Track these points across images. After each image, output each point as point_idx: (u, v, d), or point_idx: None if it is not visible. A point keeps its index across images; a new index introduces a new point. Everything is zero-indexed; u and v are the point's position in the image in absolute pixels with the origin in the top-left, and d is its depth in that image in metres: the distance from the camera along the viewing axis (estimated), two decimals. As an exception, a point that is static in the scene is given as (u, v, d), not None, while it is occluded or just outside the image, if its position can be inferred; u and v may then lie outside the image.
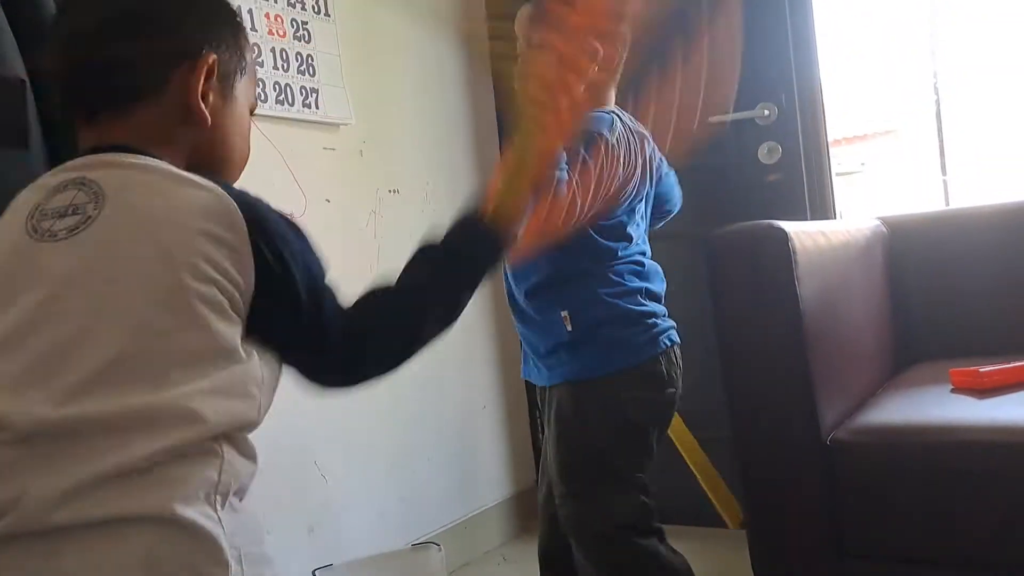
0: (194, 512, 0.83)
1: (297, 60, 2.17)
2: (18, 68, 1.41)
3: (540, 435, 2.92)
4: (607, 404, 1.63)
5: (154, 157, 0.95)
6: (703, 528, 2.52)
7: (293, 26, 2.17)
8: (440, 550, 2.08)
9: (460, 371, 2.68)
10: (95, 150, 0.96)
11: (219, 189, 0.92)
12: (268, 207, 0.96)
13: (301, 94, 2.17)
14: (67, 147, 1.46)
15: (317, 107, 2.22)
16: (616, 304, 1.64)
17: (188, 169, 0.99)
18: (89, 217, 0.89)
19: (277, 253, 0.92)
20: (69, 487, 0.80)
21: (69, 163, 0.96)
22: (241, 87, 1.07)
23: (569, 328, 1.64)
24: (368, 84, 2.43)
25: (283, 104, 2.12)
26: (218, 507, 0.86)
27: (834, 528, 1.56)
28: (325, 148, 2.27)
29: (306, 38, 2.21)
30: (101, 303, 0.86)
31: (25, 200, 0.94)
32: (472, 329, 2.75)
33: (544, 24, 1.44)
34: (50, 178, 0.95)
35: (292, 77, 2.15)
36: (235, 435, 0.89)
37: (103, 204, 0.89)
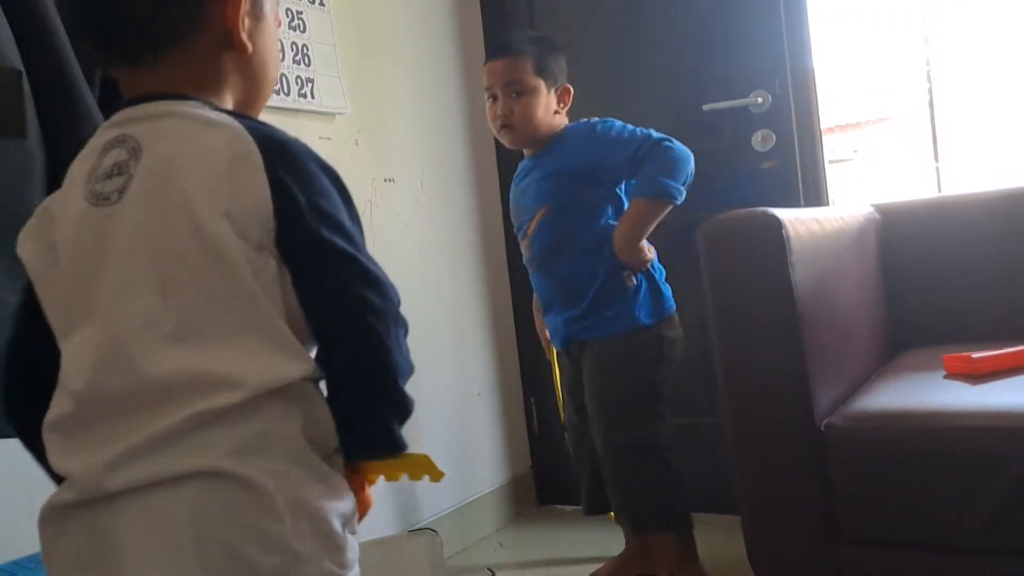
0: (246, 466, 0.83)
1: (292, 50, 2.17)
2: (14, 59, 1.41)
3: (535, 420, 2.93)
4: (657, 344, 2.05)
5: (192, 99, 0.93)
6: (698, 514, 2.53)
7: (288, 16, 2.17)
8: (437, 536, 2.10)
9: (454, 358, 2.69)
10: (138, 99, 0.94)
11: (237, 124, 0.90)
12: (296, 145, 0.93)
13: (296, 84, 2.17)
14: (65, 137, 1.47)
15: (312, 97, 2.22)
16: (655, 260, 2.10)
17: (235, 101, 0.99)
18: (132, 175, 0.88)
19: (295, 185, 0.89)
20: (115, 455, 0.82)
21: (114, 117, 0.94)
22: (269, 2, 1.04)
23: (633, 283, 2.05)
24: (363, 73, 2.43)
25: (278, 94, 2.12)
26: (277, 461, 0.85)
27: (828, 514, 1.56)
28: (321, 138, 2.27)
29: (301, 28, 2.20)
30: (140, 266, 0.86)
31: (79, 167, 0.93)
32: (465, 316, 2.76)
33: None
34: (96, 139, 0.94)
35: (287, 67, 2.15)
36: (282, 390, 0.87)
37: (140, 159, 0.89)
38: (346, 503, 0.93)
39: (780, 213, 1.60)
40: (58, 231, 0.92)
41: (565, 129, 2.14)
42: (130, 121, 0.92)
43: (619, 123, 2.06)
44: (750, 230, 1.62)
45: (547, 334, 2.30)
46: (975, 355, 1.70)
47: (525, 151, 2.20)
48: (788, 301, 1.57)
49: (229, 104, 0.99)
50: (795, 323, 1.57)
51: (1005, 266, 2.10)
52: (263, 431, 0.85)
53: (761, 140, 2.49)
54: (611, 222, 2.06)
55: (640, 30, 2.63)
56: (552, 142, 2.12)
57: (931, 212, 2.28)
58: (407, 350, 0.96)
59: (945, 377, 1.73)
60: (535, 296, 2.34)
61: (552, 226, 2.08)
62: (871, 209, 2.25)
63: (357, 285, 0.90)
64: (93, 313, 0.87)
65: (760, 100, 2.48)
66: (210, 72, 0.97)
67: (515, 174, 2.25)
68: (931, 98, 5.36)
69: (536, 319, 2.37)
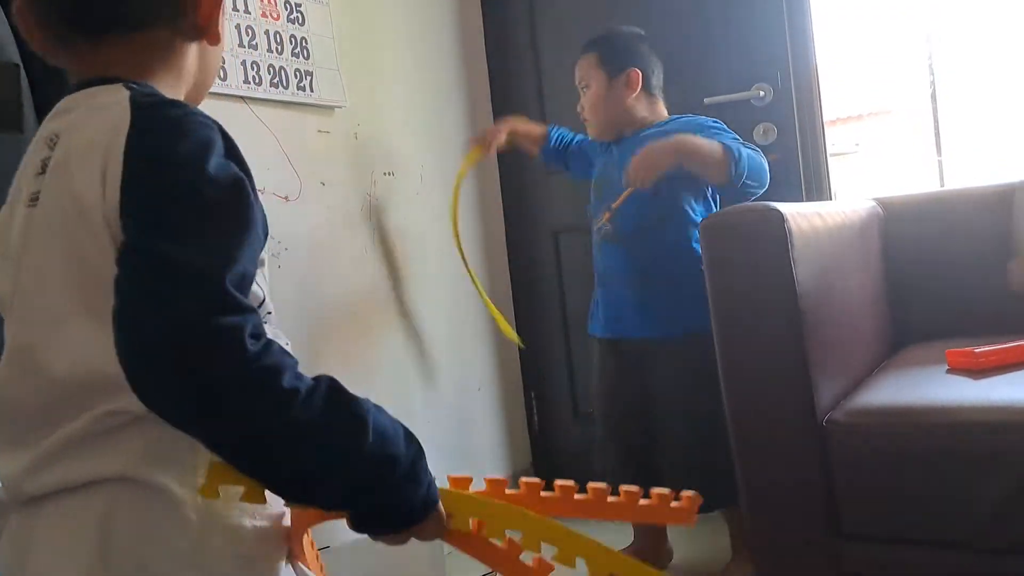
0: (163, 474, 0.78)
1: (291, 43, 2.16)
2: (12, 53, 1.41)
3: (535, 415, 2.93)
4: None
5: (118, 81, 0.86)
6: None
7: (287, 8, 2.16)
8: (437, 532, 2.09)
9: (454, 353, 2.68)
10: (79, 86, 0.88)
11: (126, 102, 0.82)
12: (170, 122, 0.82)
13: (295, 77, 2.16)
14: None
15: (312, 90, 2.21)
16: None
17: (186, 90, 0.94)
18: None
19: (142, 174, 0.77)
20: (31, 460, 0.80)
21: (53, 109, 0.89)
22: None
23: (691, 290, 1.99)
24: (362, 67, 2.42)
25: (277, 87, 2.11)
26: (198, 470, 0.79)
27: (830, 509, 1.56)
28: (320, 131, 2.26)
29: (300, 20, 2.19)
30: (49, 266, 0.82)
31: (22, 172, 0.89)
32: (466, 311, 2.75)
33: None
34: (36, 136, 0.89)
35: (286, 60, 2.14)
36: None
37: (55, 154, 0.84)
38: (270, 523, 0.85)
39: (782, 207, 1.60)
40: (7, 243, 0.87)
41: (673, 117, 2.21)
42: (59, 113, 0.87)
43: (730, 131, 2.12)
44: (752, 224, 1.61)
45: (499, 135, 2.39)
46: (978, 350, 1.70)
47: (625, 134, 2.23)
48: (790, 296, 1.56)
49: (181, 93, 0.94)
50: (797, 318, 1.56)
51: (1008, 260, 2.09)
52: (180, 436, 0.76)
53: (763, 134, 2.48)
54: (697, 219, 2.08)
55: (641, 23, 2.61)
56: (657, 124, 2.18)
57: (933, 206, 2.27)
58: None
59: (948, 372, 1.72)
60: (508, 122, 2.44)
61: (645, 201, 2.09)
62: (873, 203, 2.24)
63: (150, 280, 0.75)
64: (11, 313, 0.85)
65: (762, 93, 2.47)
66: (171, 58, 0.92)
67: (603, 148, 2.28)
68: (933, 91, 5.35)
69: (507, 122, 2.44)
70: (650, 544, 2.23)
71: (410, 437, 0.84)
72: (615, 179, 2.16)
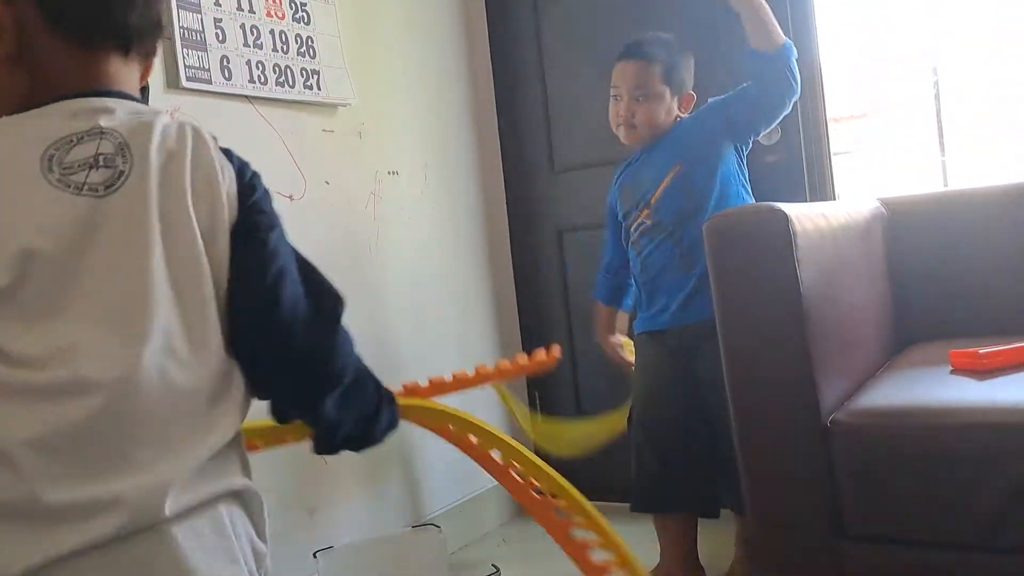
0: (248, 480, 0.89)
1: (296, 42, 2.16)
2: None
3: (539, 414, 2.92)
4: None
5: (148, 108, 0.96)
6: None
7: (292, 8, 2.16)
8: (440, 532, 2.09)
9: (457, 352, 2.69)
10: (97, 92, 0.91)
11: (195, 128, 0.93)
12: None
13: (301, 76, 2.17)
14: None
15: (318, 88, 2.21)
16: None
17: None
18: (122, 172, 0.85)
19: (257, 219, 0.95)
20: (180, 473, 0.80)
21: (67, 105, 0.89)
22: None
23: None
24: (368, 65, 2.42)
25: (283, 86, 2.11)
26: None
27: (833, 510, 1.56)
28: (324, 130, 2.27)
29: (305, 20, 2.20)
30: (153, 271, 0.83)
31: (13, 151, 0.85)
32: (469, 309, 2.75)
33: None
34: (56, 122, 0.87)
35: (292, 59, 2.14)
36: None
37: (130, 156, 0.86)
38: None
39: (787, 208, 1.60)
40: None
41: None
42: (100, 112, 0.89)
43: None
44: (756, 225, 1.61)
45: (626, 353, 2.30)
46: (982, 350, 1.69)
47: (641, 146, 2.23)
48: (794, 296, 1.56)
49: None
50: (801, 319, 1.56)
51: (1012, 261, 2.09)
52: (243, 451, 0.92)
53: (766, 134, 2.48)
54: (733, 165, 2.11)
55: (643, 22, 2.62)
56: (672, 129, 2.17)
57: (937, 206, 2.27)
58: None
59: (951, 373, 1.72)
60: (601, 317, 2.34)
61: (685, 184, 2.08)
62: (877, 203, 2.24)
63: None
64: (68, 308, 0.80)
65: (765, 93, 2.47)
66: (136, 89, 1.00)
67: (625, 164, 2.25)
68: (937, 91, 5.34)
69: (604, 340, 2.34)
70: (680, 565, 2.12)
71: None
72: (647, 176, 2.14)
